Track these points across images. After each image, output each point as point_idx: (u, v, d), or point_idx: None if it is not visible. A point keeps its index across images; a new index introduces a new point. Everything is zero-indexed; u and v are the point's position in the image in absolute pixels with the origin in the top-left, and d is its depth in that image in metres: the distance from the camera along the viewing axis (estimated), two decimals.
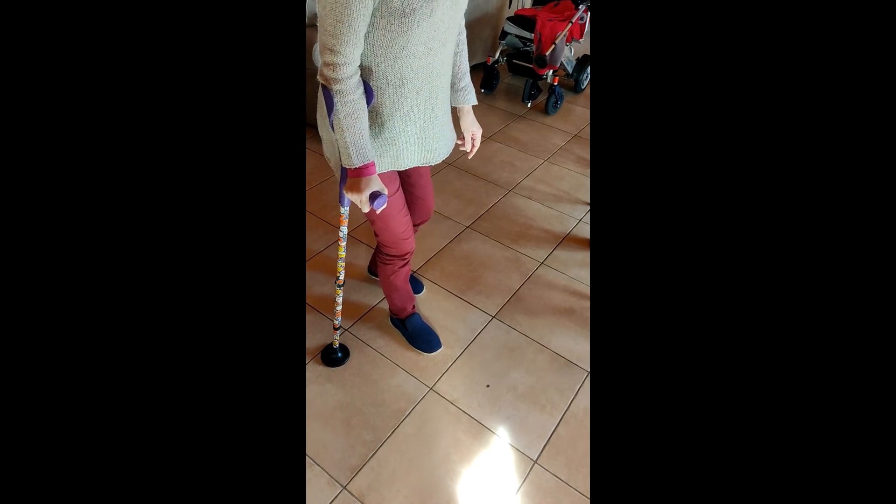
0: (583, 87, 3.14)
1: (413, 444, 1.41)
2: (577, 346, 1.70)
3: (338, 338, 1.58)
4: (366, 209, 1.11)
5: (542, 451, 1.41)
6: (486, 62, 3.07)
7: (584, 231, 2.17)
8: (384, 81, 1.04)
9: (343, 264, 1.40)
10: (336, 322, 1.53)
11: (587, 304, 1.85)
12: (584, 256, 2.04)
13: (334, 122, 1.02)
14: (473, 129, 1.32)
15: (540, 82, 3.02)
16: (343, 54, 0.96)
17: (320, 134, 1.20)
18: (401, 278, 1.51)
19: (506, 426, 1.47)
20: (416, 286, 1.83)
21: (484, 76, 3.07)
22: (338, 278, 1.43)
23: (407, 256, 1.43)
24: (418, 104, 1.10)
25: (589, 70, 3.10)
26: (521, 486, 1.33)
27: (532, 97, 2.89)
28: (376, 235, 1.36)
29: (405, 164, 1.19)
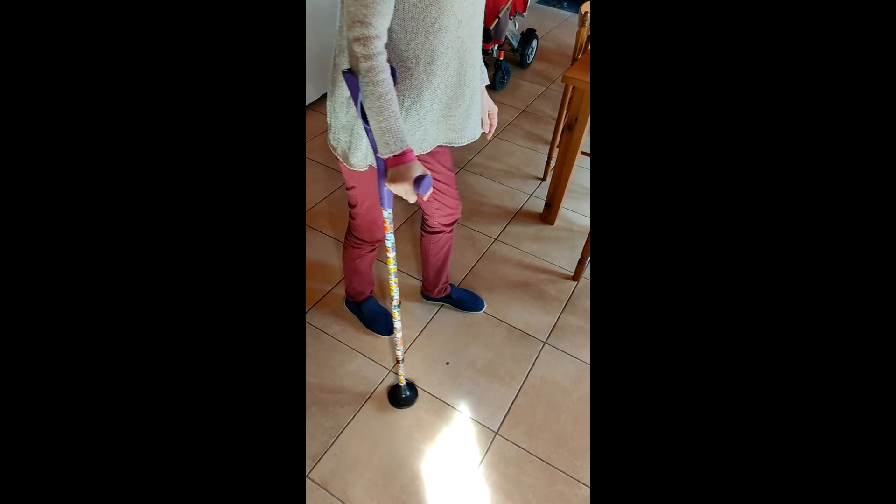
0: (528, 62, 3.14)
1: (375, 426, 1.40)
2: (533, 318, 1.73)
3: (402, 373, 1.44)
4: (413, 199, 0.99)
5: (502, 422, 1.44)
6: None
7: (535, 205, 2.19)
8: (413, 60, 0.97)
9: (396, 280, 1.22)
10: (399, 353, 1.37)
11: (540, 276, 1.88)
12: (536, 231, 2.07)
13: (366, 107, 0.92)
14: (489, 108, 1.28)
15: (486, 57, 2.99)
16: (375, 26, 0.87)
17: (329, 120, 1.10)
18: (366, 263, 1.48)
19: (467, 401, 1.48)
20: (476, 303, 1.72)
21: None
22: (393, 298, 1.25)
23: (377, 244, 1.39)
24: (446, 80, 1.03)
25: (535, 44, 3.10)
26: (483, 458, 1.36)
27: None
28: (352, 218, 1.30)
29: (430, 145, 1.13)
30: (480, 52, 1.09)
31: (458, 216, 1.42)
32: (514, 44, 2.98)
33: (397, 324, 1.30)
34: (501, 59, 2.81)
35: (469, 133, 1.16)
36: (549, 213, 2.09)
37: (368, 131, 0.97)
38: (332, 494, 1.26)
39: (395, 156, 0.95)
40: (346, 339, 1.62)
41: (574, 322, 1.74)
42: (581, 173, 2.40)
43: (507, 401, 1.49)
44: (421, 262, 1.63)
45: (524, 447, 1.39)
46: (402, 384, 1.44)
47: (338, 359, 1.56)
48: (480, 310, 1.72)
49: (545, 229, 2.08)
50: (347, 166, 1.12)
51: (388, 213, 1.11)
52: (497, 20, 2.62)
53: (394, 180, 0.98)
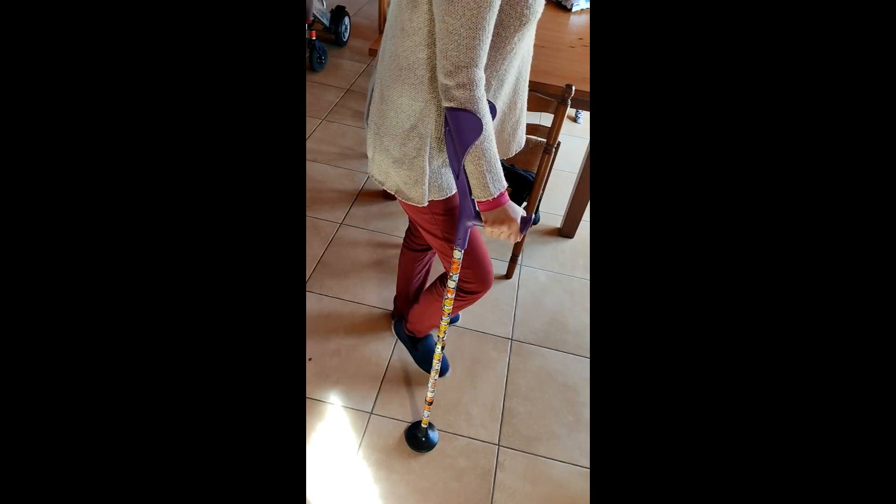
0: (345, 40, 3.07)
1: None
2: (391, 293, 1.75)
3: (428, 415, 1.33)
4: (516, 238, 0.95)
5: (375, 401, 1.45)
6: None
7: (376, 184, 2.19)
8: (485, 88, 0.90)
9: (447, 320, 1.17)
10: (429, 395, 1.29)
11: (392, 252, 1.91)
12: (381, 208, 2.08)
13: (471, 152, 0.86)
14: None
15: None
16: (479, 66, 0.81)
17: (371, 153, 1.02)
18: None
19: (337, 391, 1.46)
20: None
21: None
22: (442, 338, 1.21)
23: (487, 290, 1.22)
24: (504, 98, 0.97)
25: (347, 21, 3.04)
26: (362, 441, 1.36)
27: None
28: (457, 270, 1.10)
29: None
30: None
31: None
32: (326, 22, 2.88)
33: (437, 365, 1.25)
34: (314, 38, 2.70)
35: (517, 144, 1.09)
36: None
37: (458, 174, 0.91)
38: None
39: (494, 198, 0.90)
40: None
41: None
42: None
43: (377, 379, 1.51)
44: (399, 281, 1.51)
45: (399, 418, 1.42)
46: (424, 425, 1.35)
47: None
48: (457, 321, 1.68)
49: (389, 205, 2.09)
50: (406, 201, 1.01)
51: (460, 254, 1.04)
52: None
53: (498, 223, 0.93)
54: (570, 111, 2.85)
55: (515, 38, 0.87)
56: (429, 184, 0.98)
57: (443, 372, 1.53)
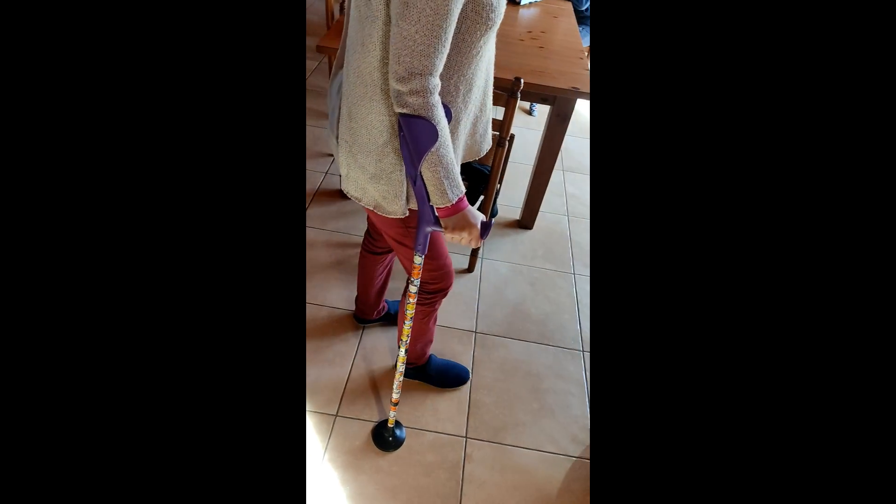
0: None
1: None
2: (352, 293, 1.73)
3: (394, 415, 1.33)
4: (477, 244, 0.95)
5: (340, 403, 1.44)
6: None
7: (333, 183, 2.16)
8: (454, 93, 0.91)
9: (411, 324, 1.18)
10: (395, 396, 1.29)
11: (352, 251, 1.88)
12: (339, 208, 2.05)
13: (427, 159, 0.85)
14: None
15: None
16: (435, 75, 0.80)
17: (345, 171, 1.01)
18: (434, 318, 1.31)
19: None
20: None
21: None
22: (405, 341, 1.20)
23: (450, 286, 1.23)
24: (476, 101, 0.98)
25: None
26: (328, 445, 1.35)
27: None
28: (418, 275, 1.09)
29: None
30: None
31: None
32: None
33: (401, 367, 1.25)
34: None
35: (487, 142, 1.08)
36: None
37: (415, 180, 0.91)
38: None
39: (453, 204, 0.90)
40: None
41: (391, 285, 1.79)
42: None
43: (341, 381, 1.49)
44: (360, 284, 1.49)
45: (366, 418, 1.41)
46: (391, 424, 1.35)
47: None
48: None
49: (347, 204, 2.07)
50: (384, 215, 1.00)
51: (420, 259, 1.05)
52: None
53: (459, 228, 0.93)
54: (524, 104, 2.89)
55: (481, 42, 0.87)
56: (407, 196, 0.99)
57: (465, 380, 1.51)
